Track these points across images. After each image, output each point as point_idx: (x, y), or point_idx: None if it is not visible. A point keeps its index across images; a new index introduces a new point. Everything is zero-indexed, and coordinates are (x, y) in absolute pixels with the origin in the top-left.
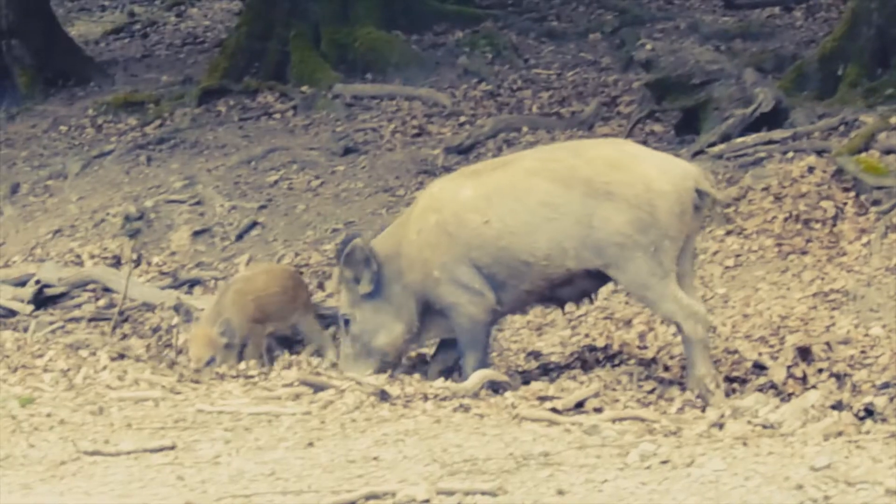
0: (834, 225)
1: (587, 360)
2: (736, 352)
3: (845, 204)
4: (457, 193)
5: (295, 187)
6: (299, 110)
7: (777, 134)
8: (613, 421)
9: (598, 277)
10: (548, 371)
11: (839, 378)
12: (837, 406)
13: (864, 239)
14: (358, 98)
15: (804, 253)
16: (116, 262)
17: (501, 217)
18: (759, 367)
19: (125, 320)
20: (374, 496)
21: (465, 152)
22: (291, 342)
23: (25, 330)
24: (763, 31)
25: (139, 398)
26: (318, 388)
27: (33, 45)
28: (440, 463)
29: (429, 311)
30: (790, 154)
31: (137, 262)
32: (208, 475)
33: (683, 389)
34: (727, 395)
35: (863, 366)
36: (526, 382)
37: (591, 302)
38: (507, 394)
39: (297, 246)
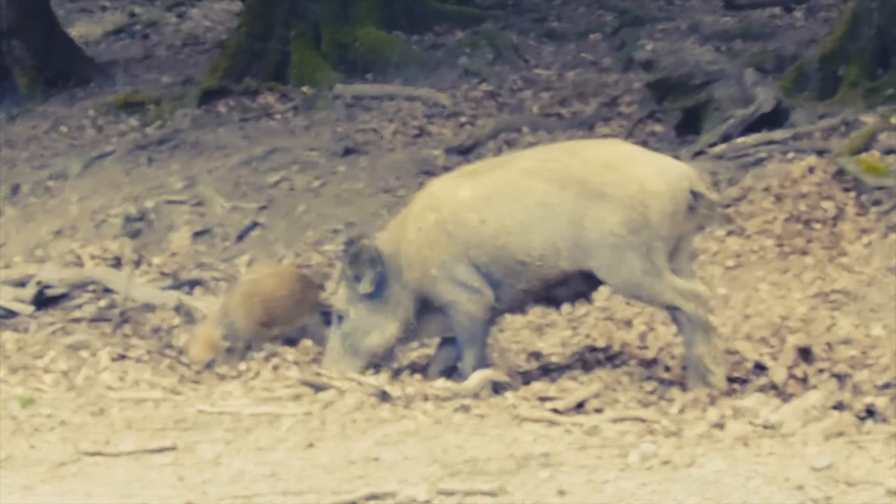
0: (835, 225)
1: (588, 360)
2: (736, 352)
3: (846, 204)
4: (455, 192)
5: (295, 188)
6: (300, 111)
7: (778, 134)
8: (614, 421)
9: (593, 279)
10: (548, 371)
11: (840, 378)
12: (838, 406)
13: (865, 239)
14: (358, 98)
15: (805, 253)
16: (117, 263)
17: (498, 216)
18: (760, 368)
19: (126, 321)
20: (375, 497)
21: (466, 153)
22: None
23: (26, 331)
24: (763, 31)
25: (140, 399)
26: (319, 389)
27: (34, 45)
28: (441, 463)
29: (425, 309)
30: (791, 154)
31: (138, 263)
32: (209, 476)
33: (684, 390)
34: (727, 395)
35: (864, 366)
36: (526, 383)
37: (589, 303)
38: (508, 394)
39: (298, 246)
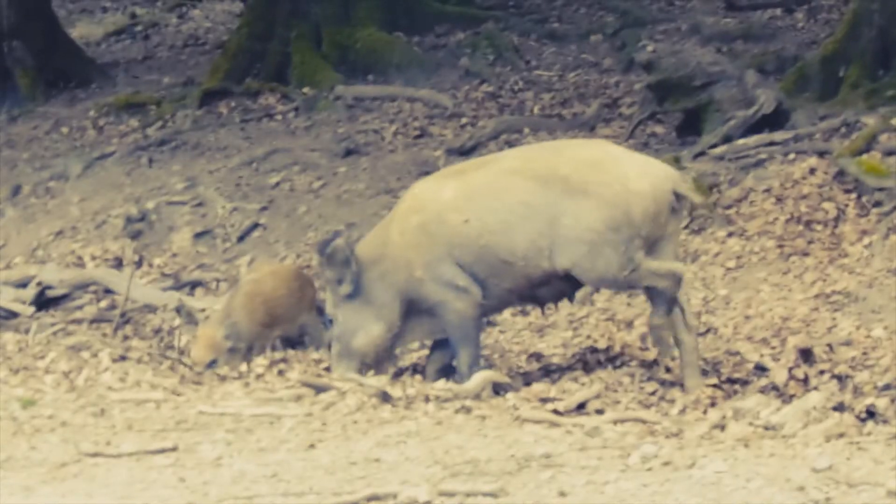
0: (835, 226)
1: (589, 361)
2: (737, 353)
3: (847, 205)
4: (438, 193)
5: (296, 189)
6: (301, 112)
7: (778, 135)
8: (615, 422)
9: (574, 279)
10: (549, 372)
11: (841, 379)
12: (839, 407)
13: (866, 240)
14: (359, 99)
15: (806, 254)
16: (118, 264)
17: (481, 216)
18: (761, 369)
19: (127, 322)
20: (376, 498)
21: (467, 154)
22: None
23: (27, 332)
24: (764, 32)
25: (141, 400)
26: (320, 390)
27: (35, 46)
28: (442, 464)
29: (412, 312)
30: (791, 155)
31: (139, 264)
32: (210, 477)
33: (685, 391)
34: (728, 396)
35: (864, 367)
36: (527, 384)
37: (572, 302)
38: (509, 395)
39: (299, 247)
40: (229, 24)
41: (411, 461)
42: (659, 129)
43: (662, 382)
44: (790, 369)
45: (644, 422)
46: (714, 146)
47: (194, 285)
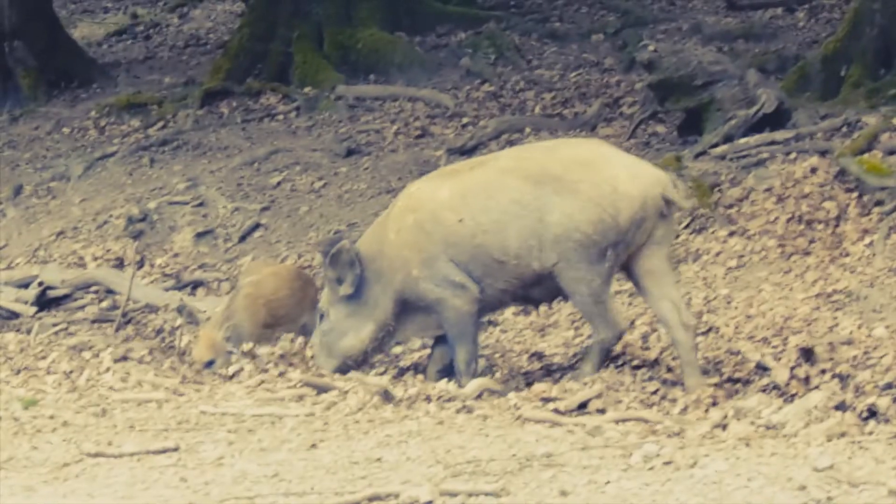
0: (837, 226)
1: None
2: (739, 353)
3: (848, 205)
4: (434, 193)
5: (298, 189)
6: (302, 112)
7: (780, 135)
8: (616, 422)
9: None
10: (551, 372)
11: (842, 379)
12: (840, 407)
13: (867, 240)
14: (361, 99)
15: (807, 254)
16: (119, 264)
17: (475, 215)
18: (762, 368)
19: (128, 322)
20: (378, 498)
21: (468, 153)
22: None
23: (28, 332)
24: (766, 31)
25: (142, 400)
26: (322, 390)
27: (36, 46)
28: (443, 464)
29: (406, 310)
30: (793, 155)
31: (140, 264)
32: (211, 477)
33: (685, 390)
34: (730, 395)
35: (866, 366)
36: (529, 383)
37: (566, 300)
38: (511, 395)
39: (300, 247)
40: (230, 25)
41: (413, 461)
42: (660, 129)
43: (664, 382)
44: (792, 368)
45: (646, 421)
46: (715, 145)
47: (196, 285)
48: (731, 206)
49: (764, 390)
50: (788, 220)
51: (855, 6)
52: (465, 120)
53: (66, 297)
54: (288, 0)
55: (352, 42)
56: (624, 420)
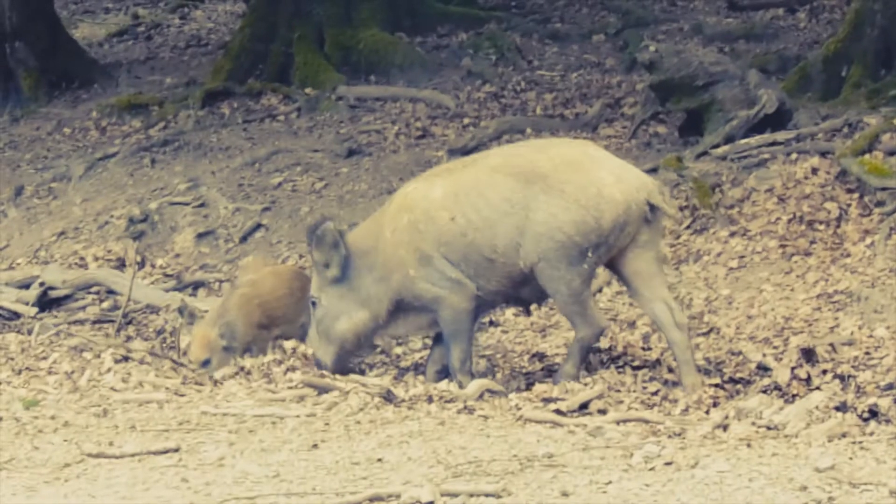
0: (838, 226)
1: (591, 361)
2: (740, 353)
3: (849, 205)
4: (428, 192)
5: (299, 189)
6: (303, 112)
7: (781, 135)
8: (617, 422)
9: None
10: (552, 373)
11: (843, 379)
12: (841, 407)
13: (868, 240)
14: (361, 100)
15: (808, 254)
16: (120, 265)
17: (466, 213)
18: (763, 369)
19: (129, 322)
20: (379, 498)
21: (469, 154)
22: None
23: (29, 332)
24: (767, 32)
25: (143, 400)
26: (323, 390)
27: (37, 47)
28: (444, 465)
29: (400, 308)
30: (794, 155)
31: (141, 265)
32: (212, 477)
33: (684, 389)
34: (731, 396)
35: (867, 367)
36: (530, 384)
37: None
38: (512, 395)
39: (301, 248)
40: (231, 25)
41: (414, 461)
42: (661, 129)
43: (665, 382)
44: (792, 369)
45: (647, 422)
46: (716, 146)
47: (196, 286)
48: (732, 207)
49: (765, 391)
50: (789, 221)
51: (856, 7)
52: (466, 120)
53: (67, 297)
54: (289, 1)
55: (353, 43)
56: (625, 421)
